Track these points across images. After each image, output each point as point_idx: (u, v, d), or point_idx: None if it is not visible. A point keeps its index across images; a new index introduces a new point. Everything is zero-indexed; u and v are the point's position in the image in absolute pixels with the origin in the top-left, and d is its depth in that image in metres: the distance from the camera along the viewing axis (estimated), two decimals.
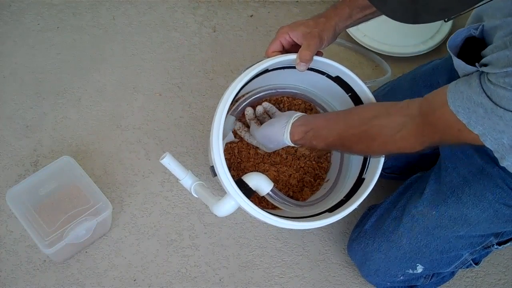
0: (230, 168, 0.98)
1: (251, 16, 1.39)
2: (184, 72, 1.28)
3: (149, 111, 1.21)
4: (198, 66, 1.29)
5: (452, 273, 1.02)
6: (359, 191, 0.90)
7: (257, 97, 0.98)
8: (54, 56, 1.27)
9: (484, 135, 0.61)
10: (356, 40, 1.34)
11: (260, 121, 1.01)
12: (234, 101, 0.98)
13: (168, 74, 1.27)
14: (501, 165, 0.65)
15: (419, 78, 0.99)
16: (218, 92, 1.24)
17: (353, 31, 1.34)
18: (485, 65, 0.59)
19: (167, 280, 1.03)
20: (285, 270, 1.06)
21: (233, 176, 0.80)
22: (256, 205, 0.81)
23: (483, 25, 0.65)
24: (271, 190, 0.85)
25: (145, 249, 1.05)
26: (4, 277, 0.99)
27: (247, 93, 0.99)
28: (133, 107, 1.21)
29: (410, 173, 1.01)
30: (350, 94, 0.93)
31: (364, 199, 0.87)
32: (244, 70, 0.85)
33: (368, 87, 0.90)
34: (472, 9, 0.48)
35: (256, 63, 0.85)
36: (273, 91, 0.99)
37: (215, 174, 0.82)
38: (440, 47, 1.35)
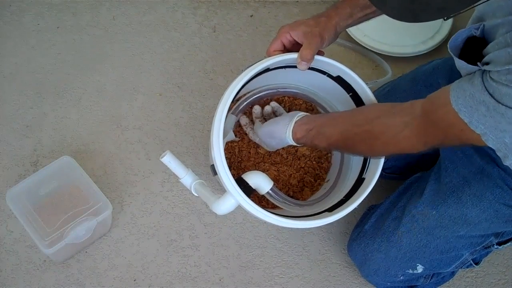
0: (230, 167, 0.98)
1: (251, 16, 1.39)
2: (184, 72, 1.28)
3: (149, 111, 1.21)
4: (198, 66, 1.29)
5: (452, 273, 1.02)
6: (359, 191, 0.90)
7: (258, 96, 0.98)
8: (54, 56, 1.27)
9: (486, 134, 0.61)
10: (356, 40, 1.34)
11: (266, 120, 1.01)
12: (235, 100, 0.98)
13: (168, 74, 1.27)
14: (504, 164, 0.65)
15: (419, 78, 0.99)
16: (218, 92, 1.24)
17: (353, 31, 1.34)
18: (487, 63, 0.59)
19: (167, 280, 1.03)
20: (285, 270, 1.06)
21: (233, 175, 0.80)
22: (256, 204, 0.81)
23: (483, 25, 0.65)
24: (271, 189, 0.85)
25: (145, 249, 1.05)
26: (4, 277, 0.99)
27: (248, 92, 0.99)
28: (133, 107, 1.21)
29: (410, 173, 1.01)
30: (351, 94, 0.93)
31: (364, 199, 0.87)
32: (245, 69, 0.85)
33: (369, 87, 0.90)
34: (470, 8, 0.48)
35: (257, 62, 0.85)
36: (274, 90, 1.00)
37: (215, 173, 0.82)
38: (440, 47, 1.35)
